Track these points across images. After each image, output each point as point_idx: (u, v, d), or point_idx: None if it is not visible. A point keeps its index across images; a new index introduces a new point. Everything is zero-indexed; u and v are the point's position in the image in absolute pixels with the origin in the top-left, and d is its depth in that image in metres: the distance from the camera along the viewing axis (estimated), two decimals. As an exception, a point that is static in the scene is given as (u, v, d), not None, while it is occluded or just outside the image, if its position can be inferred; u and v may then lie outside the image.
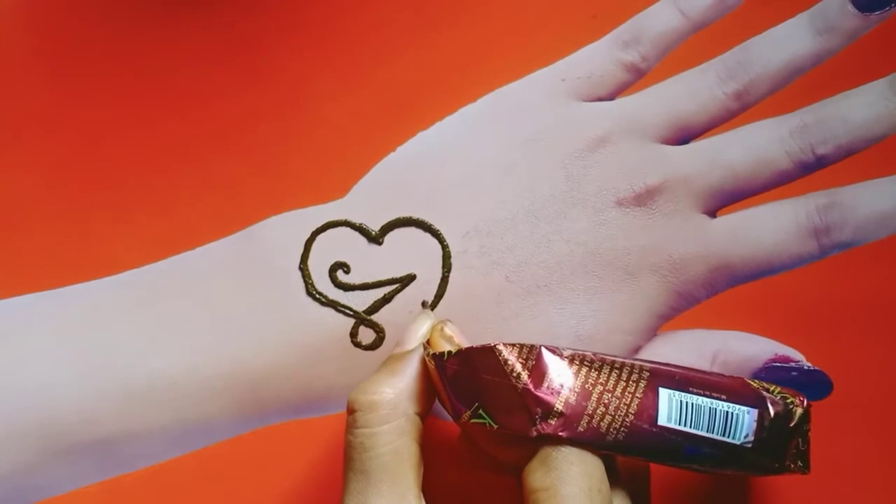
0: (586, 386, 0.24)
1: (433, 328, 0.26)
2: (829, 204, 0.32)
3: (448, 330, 0.26)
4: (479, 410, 0.24)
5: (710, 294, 0.32)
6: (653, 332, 0.32)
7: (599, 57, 0.34)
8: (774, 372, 0.31)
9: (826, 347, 0.31)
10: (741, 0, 0.34)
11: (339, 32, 0.36)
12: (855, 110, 0.32)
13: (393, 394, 0.25)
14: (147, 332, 0.31)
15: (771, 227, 0.32)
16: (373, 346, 0.31)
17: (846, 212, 0.32)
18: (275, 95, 0.35)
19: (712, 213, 0.33)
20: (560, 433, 0.23)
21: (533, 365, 0.24)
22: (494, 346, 0.24)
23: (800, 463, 0.25)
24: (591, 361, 0.24)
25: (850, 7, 0.33)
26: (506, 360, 0.24)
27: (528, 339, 0.30)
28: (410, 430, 0.25)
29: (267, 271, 0.32)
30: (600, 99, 0.34)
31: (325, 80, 0.35)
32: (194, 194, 0.34)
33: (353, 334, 0.31)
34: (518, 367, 0.24)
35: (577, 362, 0.24)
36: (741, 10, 0.34)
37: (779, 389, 0.26)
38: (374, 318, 0.31)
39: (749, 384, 0.25)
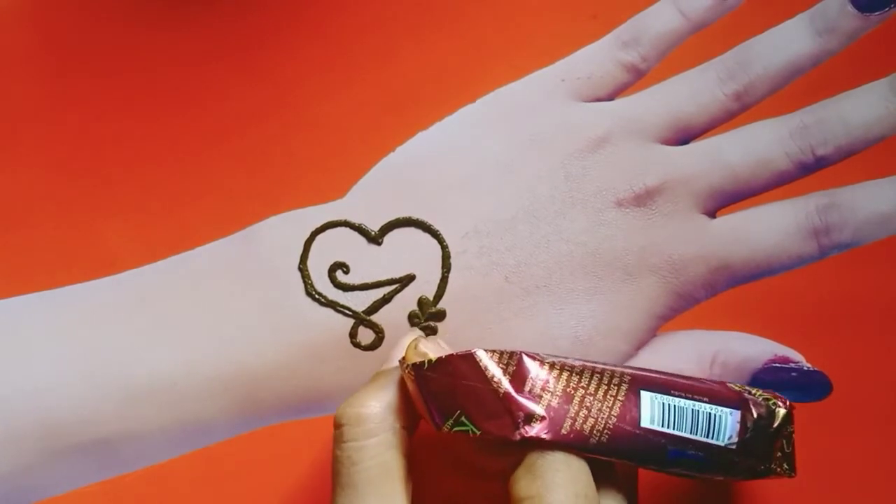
0: (568, 390, 0.24)
1: (409, 344, 0.26)
2: (828, 204, 0.32)
3: (423, 347, 0.26)
4: (461, 418, 0.24)
5: (709, 295, 0.32)
6: (652, 333, 0.32)
7: (599, 57, 0.34)
8: (774, 373, 0.31)
9: (826, 348, 0.31)
10: (741, 0, 0.34)
11: (339, 32, 0.36)
12: (855, 111, 0.32)
13: (380, 407, 0.25)
14: (147, 332, 0.31)
15: (771, 227, 0.32)
16: (372, 347, 0.31)
17: (846, 212, 0.32)
18: (274, 95, 0.35)
19: (712, 214, 0.33)
20: (543, 435, 0.23)
21: (514, 370, 0.24)
22: (474, 352, 0.24)
23: (786, 466, 0.25)
24: (572, 367, 0.24)
25: (850, 7, 0.33)
26: (486, 367, 0.24)
27: (527, 341, 0.31)
28: (398, 443, 0.24)
29: (266, 271, 0.32)
30: (600, 99, 0.34)
31: (325, 79, 0.35)
32: (194, 194, 0.34)
33: (353, 335, 0.31)
34: (498, 373, 0.24)
35: (558, 368, 0.24)
36: (741, 10, 0.34)
37: (760, 392, 0.26)
38: (374, 318, 0.31)
39: (731, 387, 0.25)
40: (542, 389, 0.24)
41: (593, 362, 0.25)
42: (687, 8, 0.34)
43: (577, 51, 0.34)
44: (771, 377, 0.31)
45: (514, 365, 0.24)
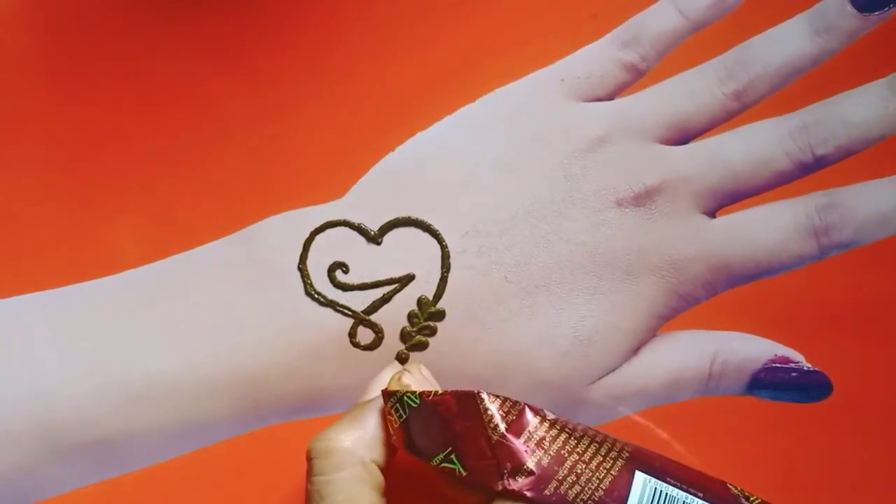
0: (562, 452, 0.23)
1: (392, 377, 0.26)
2: (828, 204, 0.32)
3: (406, 379, 0.26)
4: (451, 456, 0.23)
5: (709, 294, 0.32)
6: (652, 333, 0.32)
7: (599, 57, 0.34)
8: (774, 372, 0.31)
9: (826, 348, 0.31)
10: (741, 0, 0.34)
11: (340, 32, 0.36)
12: (854, 111, 0.32)
13: (349, 441, 0.25)
14: (146, 331, 0.31)
15: (770, 227, 0.32)
16: (371, 347, 0.31)
17: (846, 212, 0.32)
18: (275, 95, 0.35)
19: (712, 214, 0.33)
20: (526, 492, 0.23)
21: (513, 420, 0.23)
22: (478, 393, 0.24)
23: None
24: (573, 430, 0.24)
25: (850, 7, 0.33)
26: (486, 409, 0.23)
27: (527, 340, 0.31)
28: (367, 477, 0.24)
29: (266, 271, 0.32)
30: (599, 99, 0.34)
31: (325, 80, 0.35)
32: (194, 194, 0.34)
33: (352, 334, 0.31)
34: (497, 419, 0.23)
35: (559, 427, 0.24)
36: (741, 10, 0.34)
37: (760, 500, 0.25)
38: (373, 318, 0.31)
39: (729, 489, 0.24)
40: (537, 445, 0.23)
41: (595, 431, 0.24)
42: (686, 8, 0.34)
43: (577, 50, 0.34)
44: (771, 377, 0.31)
45: (514, 414, 0.23)
